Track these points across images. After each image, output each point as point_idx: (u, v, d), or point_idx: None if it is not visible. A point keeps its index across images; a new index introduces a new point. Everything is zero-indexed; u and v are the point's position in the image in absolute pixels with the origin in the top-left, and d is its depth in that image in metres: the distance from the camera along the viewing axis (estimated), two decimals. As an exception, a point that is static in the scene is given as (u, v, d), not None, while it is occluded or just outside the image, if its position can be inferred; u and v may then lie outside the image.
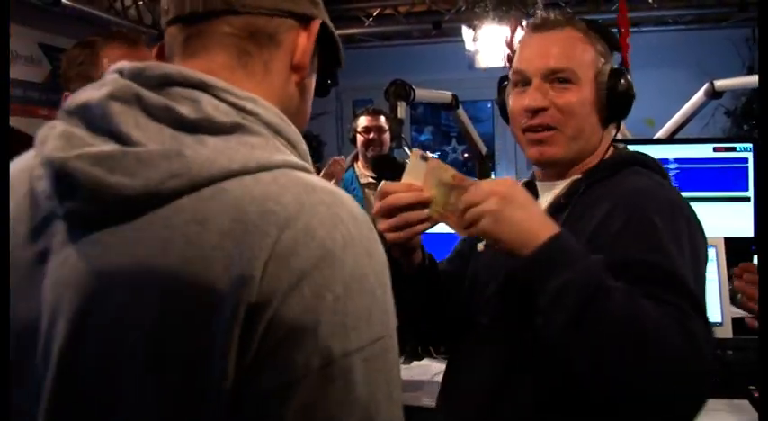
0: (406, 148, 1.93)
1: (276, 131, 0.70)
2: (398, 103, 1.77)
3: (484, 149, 2.55)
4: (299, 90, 0.81)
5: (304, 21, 0.78)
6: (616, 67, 1.20)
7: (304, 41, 0.78)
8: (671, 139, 2.28)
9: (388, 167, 1.85)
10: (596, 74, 1.17)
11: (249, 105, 0.68)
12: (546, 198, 1.24)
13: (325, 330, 0.58)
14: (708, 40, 5.73)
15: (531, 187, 1.27)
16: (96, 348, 0.61)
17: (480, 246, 1.26)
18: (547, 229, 1.00)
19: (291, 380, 0.58)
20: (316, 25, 0.78)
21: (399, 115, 1.78)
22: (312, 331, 0.58)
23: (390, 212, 1.09)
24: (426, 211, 1.09)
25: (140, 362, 0.60)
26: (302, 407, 0.58)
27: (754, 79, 2.07)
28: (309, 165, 0.71)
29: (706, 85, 2.11)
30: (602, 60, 1.19)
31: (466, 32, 4.50)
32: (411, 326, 1.30)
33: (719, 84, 2.08)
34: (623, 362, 0.93)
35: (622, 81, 1.17)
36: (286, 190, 0.63)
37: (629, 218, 1.08)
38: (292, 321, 0.58)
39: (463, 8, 4.02)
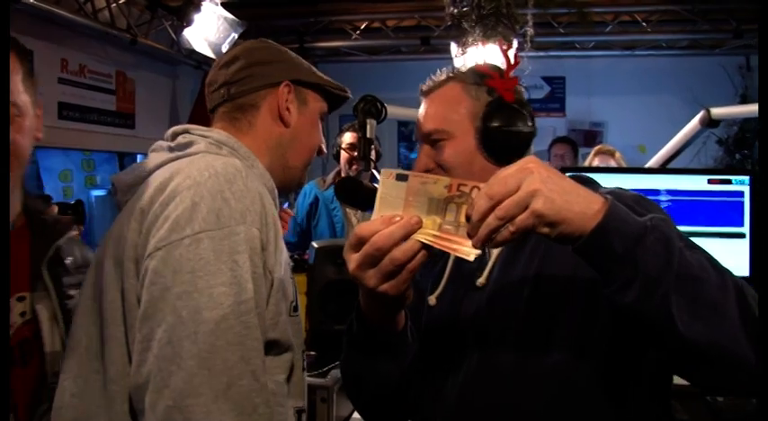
0: (375, 172, 1.76)
1: (220, 143, 1.15)
2: (368, 121, 1.60)
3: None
4: (290, 131, 1.24)
5: (275, 85, 1.22)
6: (491, 102, 1.15)
7: (278, 100, 1.22)
8: (663, 169, 2.13)
9: (354, 193, 1.69)
10: (474, 120, 1.14)
11: (212, 135, 1.16)
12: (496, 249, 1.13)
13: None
14: (701, 66, 5.63)
15: None
16: None
17: (432, 300, 1.17)
18: (596, 196, 0.86)
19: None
20: (282, 87, 1.22)
21: (368, 134, 1.61)
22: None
23: (374, 260, 0.90)
24: (417, 240, 0.90)
25: None
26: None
27: (751, 108, 1.94)
28: (241, 159, 1.14)
29: (702, 113, 1.98)
30: (481, 104, 1.15)
31: (455, 49, 4.36)
32: (387, 402, 1.19)
33: (716, 112, 1.95)
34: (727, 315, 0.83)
35: (494, 119, 1.13)
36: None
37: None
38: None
39: (449, 23, 3.86)
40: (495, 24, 3.64)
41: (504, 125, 1.13)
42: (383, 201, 0.92)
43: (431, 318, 1.17)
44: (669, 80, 5.66)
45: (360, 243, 0.91)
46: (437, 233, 0.89)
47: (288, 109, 1.23)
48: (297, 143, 1.25)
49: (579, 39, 5.38)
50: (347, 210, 3.24)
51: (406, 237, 0.89)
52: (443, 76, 1.21)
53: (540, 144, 5.58)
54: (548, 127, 6.07)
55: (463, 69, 1.20)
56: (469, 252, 0.88)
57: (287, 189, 1.34)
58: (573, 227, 0.83)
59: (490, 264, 1.13)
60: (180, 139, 1.17)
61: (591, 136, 6.30)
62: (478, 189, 0.86)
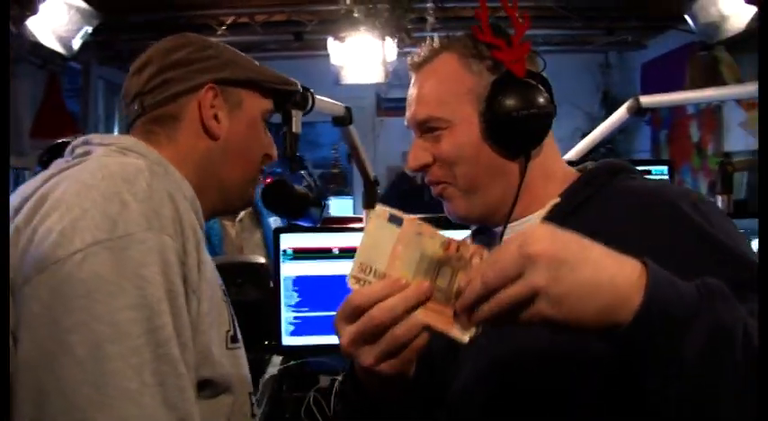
0: (304, 173, 1.50)
1: (124, 149, 0.94)
2: (294, 113, 1.33)
3: (373, 174, 2.17)
4: (221, 143, 1.02)
5: (196, 90, 1.00)
6: (497, 79, 0.93)
7: (201, 108, 1.00)
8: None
9: (285, 199, 1.43)
10: (477, 103, 0.94)
11: (115, 142, 0.95)
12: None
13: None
14: (566, 64, 5.82)
15: (482, 232, 1.05)
16: None
17: None
18: (628, 269, 0.66)
19: None
20: (205, 91, 1.00)
21: (294, 129, 1.34)
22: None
23: (372, 337, 0.73)
24: (418, 314, 0.72)
25: None
26: None
27: (679, 96, 1.89)
28: (144, 161, 0.92)
29: (630, 102, 1.90)
30: (484, 81, 0.94)
31: (332, 44, 4.14)
32: None
33: (645, 100, 1.86)
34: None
35: (501, 101, 0.92)
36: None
37: (680, 239, 0.84)
38: None
39: (346, 12, 3.63)
40: (389, 18, 3.44)
41: (513, 108, 0.91)
42: (368, 245, 0.75)
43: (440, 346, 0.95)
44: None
45: (354, 314, 0.75)
46: (430, 304, 0.73)
47: (216, 117, 1.01)
48: (232, 155, 1.04)
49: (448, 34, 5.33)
50: (224, 221, 2.89)
51: (411, 310, 0.72)
52: (436, 45, 0.98)
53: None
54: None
55: (456, 36, 0.98)
56: (463, 334, 0.71)
57: (231, 208, 1.11)
58: (592, 325, 0.66)
59: None
60: (77, 151, 0.95)
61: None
62: (481, 258, 0.71)
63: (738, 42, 3.89)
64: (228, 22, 4.70)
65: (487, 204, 0.96)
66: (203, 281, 0.88)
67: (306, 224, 1.61)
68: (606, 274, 0.66)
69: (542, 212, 0.95)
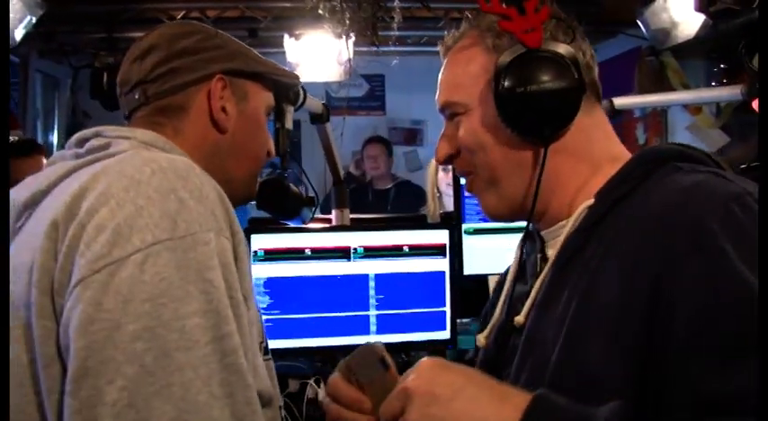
0: (296, 171, 1.45)
1: (147, 145, 0.89)
2: (287, 108, 1.27)
3: (343, 173, 2.13)
4: (228, 137, 0.99)
5: (205, 81, 0.97)
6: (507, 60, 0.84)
7: (209, 100, 0.97)
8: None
9: (279, 198, 1.37)
10: (492, 82, 0.84)
11: (135, 135, 0.90)
12: (552, 250, 0.87)
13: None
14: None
15: (532, 238, 0.93)
16: None
17: (481, 340, 0.95)
18: (507, 410, 0.67)
19: None
20: (214, 82, 0.97)
21: (287, 124, 1.29)
22: None
23: None
24: None
25: None
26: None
27: (651, 99, 1.91)
28: (163, 153, 0.87)
29: (605, 103, 1.90)
30: (495, 59, 0.85)
31: (288, 42, 4.06)
32: None
33: (619, 102, 1.88)
34: None
35: (511, 78, 0.82)
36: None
37: (656, 294, 0.69)
38: None
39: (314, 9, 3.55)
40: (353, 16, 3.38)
41: (521, 84, 0.81)
42: (358, 362, 0.83)
43: (481, 361, 0.93)
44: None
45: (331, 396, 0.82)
46: None
47: (224, 109, 0.98)
48: (238, 150, 1.01)
49: (403, 33, 5.30)
50: None
51: None
52: (464, 25, 0.92)
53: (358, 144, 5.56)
54: (368, 126, 6.02)
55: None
56: None
57: (233, 204, 1.02)
58: None
59: (531, 296, 0.86)
60: (93, 143, 0.89)
61: (411, 134, 6.34)
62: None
63: (683, 49, 4.00)
64: (179, 16, 4.55)
65: (511, 198, 0.89)
66: (251, 289, 0.84)
67: (295, 224, 1.56)
68: (479, 414, 0.66)
69: (572, 220, 0.85)
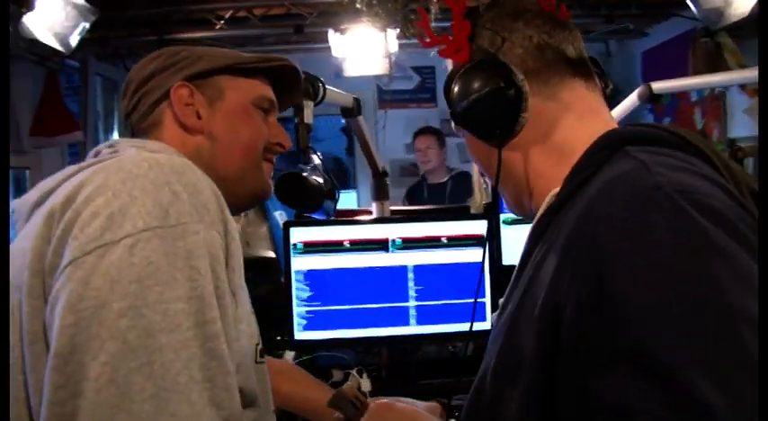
0: (317, 165, 1.47)
1: (155, 151, 0.92)
2: (305, 104, 1.30)
3: (381, 165, 2.14)
4: (206, 137, 1.02)
5: (168, 95, 1.02)
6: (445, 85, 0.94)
7: (174, 108, 1.02)
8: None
9: (297, 191, 1.39)
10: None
11: (145, 145, 0.97)
12: None
13: None
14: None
15: None
16: None
17: (494, 317, 1.03)
18: None
19: None
20: (174, 91, 1.02)
21: (306, 119, 1.31)
22: None
23: None
24: None
25: None
26: None
27: (691, 81, 1.85)
28: (176, 157, 0.89)
29: (641, 88, 1.86)
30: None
31: (332, 37, 4.09)
32: None
33: (657, 86, 1.83)
34: None
35: (449, 100, 0.91)
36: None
37: (578, 295, 0.67)
38: None
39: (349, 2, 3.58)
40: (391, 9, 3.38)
41: (461, 99, 0.88)
42: None
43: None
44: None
45: None
46: None
47: (197, 113, 1.02)
48: (222, 147, 1.03)
49: (443, 25, 5.29)
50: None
51: None
52: None
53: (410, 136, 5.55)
54: (419, 118, 6.01)
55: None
56: None
57: (240, 205, 1.08)
58: None
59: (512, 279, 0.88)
60: (104, 152, 0.95)
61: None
62: None
63: (741, 28, 3.85)
64: (227, 16, 4.64)
65: (510, 199, 0.95)
66: (241, 286, 0.85)
67: (319, 217, 1.58)
68: None
69: (540, 210, 0.85)
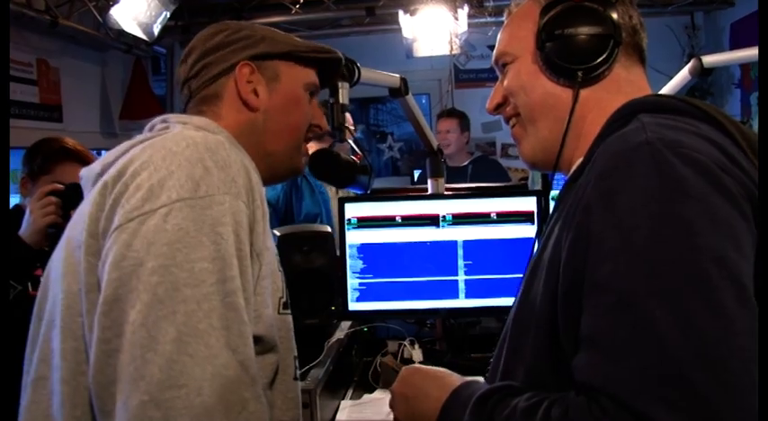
0: (351, 142, 1.55)
1: (200, 128, 1.03)
2: (341, 84, 1.38)
3: (435, 143, 2.19)
4: (261, 115, 1.12)
5: (232, 70, 1.11)
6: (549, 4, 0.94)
7: (237, 84, 1.10)
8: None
9: (330, 167, 1.48)
10: (536, 31, 0.94)
11: (191, 121, 1.05)
12: None
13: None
14: (647, 27, 5.58)
15: None
16: None
17: None
18: (442, 396, 0.89)
19: None
20: (240, 68, 1.10)
21: (342, 99, 1.39)
22: None
23: None
24: None
25: None
26: None
27: (742, 54, 1.80)
28: (211, 135, 0.99)
29: (693, 62, 1.83)
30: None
31: (403, 18, 4.15)
32: None
33: (708, 60, 1.80)
34: None
35: (549, 25, 0.91)
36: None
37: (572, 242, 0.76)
38: None
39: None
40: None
41: (562, 28, 0.90)
42: None
43: None
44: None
45: None
46: None
47: (255, 91, 1.12)
48: (273, 125, 1.13)
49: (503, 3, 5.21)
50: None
51: None
52: None
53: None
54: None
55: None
56: None
57: (277, 178, 1.19)
58: None
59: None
60: (157, 127, 1.07)
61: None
62: None
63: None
64: (302, 0, 4.77)
65: (544, 139, 0.96)
66: (266, 248, 0.96)
67: (356, 191, 1.66)
68: (424, 407, 0.91)
69: (571, 172, 0.92)
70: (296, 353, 1.08)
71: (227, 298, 0.85)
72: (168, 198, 0.86)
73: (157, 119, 1.10)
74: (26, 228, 1.90)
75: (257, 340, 0.93)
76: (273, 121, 1.13)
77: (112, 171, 0.94)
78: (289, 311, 1.06)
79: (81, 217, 0.94)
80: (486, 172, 4.03)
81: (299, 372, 1.09)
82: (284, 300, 1.04)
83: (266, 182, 1.15)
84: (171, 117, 1.08)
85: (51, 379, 0.92)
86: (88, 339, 0.88)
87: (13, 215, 2.07)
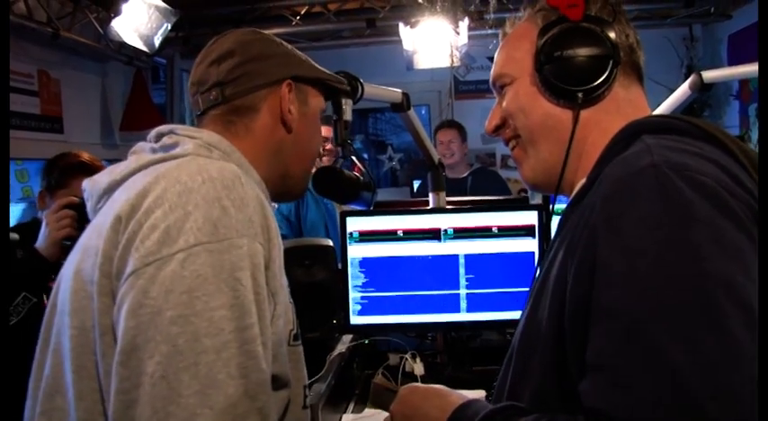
0: (354, 158, 1.56)
1: (210, 146, 1.02)
2: (344, 101, 1.39)
3: (437, 157, 2.20)
4: (292, 137, 1.11)
5: (276, 84, 1.09)
6: (548, 24, 0.94)
7: (280, 101, 1.09)
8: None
9: (333, 184, 1.49)
10: (534, 53, 0.94)
11: (202, 137, 1.02)
12: None
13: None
14: (647, 39, 5.60)
15: None
16: None
17: None
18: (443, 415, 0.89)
19: None
20: (284, 85, 1.09)
21: (345, 116, 1.40)
22: None
23: None
24: None
25: None
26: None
27: (742, 70, 1.81)
28: (230, 161, 1.00)
29: (692, 77, 1.83)
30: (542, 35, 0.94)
31: (403, 30, 4.17)
32: None
33: (708, 75, 1.80)
34: None
35: (548, 46, 0.91)
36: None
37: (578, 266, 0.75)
38: None
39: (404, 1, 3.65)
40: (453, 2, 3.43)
41: (561, 50, 0.90)
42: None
43: None
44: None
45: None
46: None
47: (290, 111, 1.11)
48: (299, 149, 1.14)
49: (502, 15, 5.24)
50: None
51: None
52: (521, 13, 1.00)
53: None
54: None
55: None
56: None
57: (288, 198, 1.19)
58: None
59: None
60: (165, 140, 1.03)
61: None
62: None
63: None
64: (303, 11, 4.79)
65: (545, 162, 0.95)
66: (280, 286, 0.95)
67: (359, 207, 1.67)
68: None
69: (573, 193, 0.91)
70: (306, 382, 1.08)
71: (245, 345, 0.84)
72: (186, 242, 0.84)
73: (164, 128, 1.06)
74: (42, 241, 1.92)
75: (273, 379, 0.92)
76: (299, 146, 1.13)
77: (125, 204, 0.91)
78: (299, 342, 1.05)
79: (93, 250, 0.91)
80: (486, 183, 4.03)
81: (308, 401, 1.08)
82: (294, 331, 1.03)
83: (275, 200, 1.15)
84: (179, 129, 1.05)
85: (68, 412, 0.91)
86: (103, 382, 0.86)
87: (31, 228, 2.09)
